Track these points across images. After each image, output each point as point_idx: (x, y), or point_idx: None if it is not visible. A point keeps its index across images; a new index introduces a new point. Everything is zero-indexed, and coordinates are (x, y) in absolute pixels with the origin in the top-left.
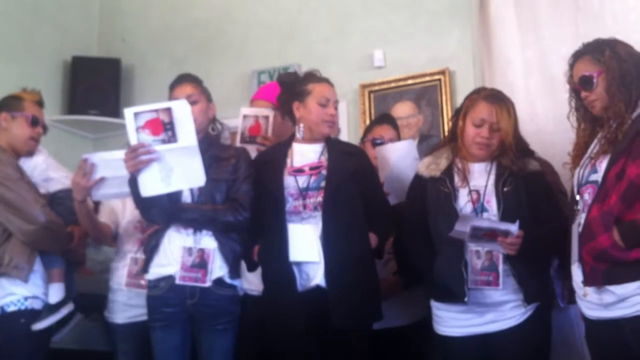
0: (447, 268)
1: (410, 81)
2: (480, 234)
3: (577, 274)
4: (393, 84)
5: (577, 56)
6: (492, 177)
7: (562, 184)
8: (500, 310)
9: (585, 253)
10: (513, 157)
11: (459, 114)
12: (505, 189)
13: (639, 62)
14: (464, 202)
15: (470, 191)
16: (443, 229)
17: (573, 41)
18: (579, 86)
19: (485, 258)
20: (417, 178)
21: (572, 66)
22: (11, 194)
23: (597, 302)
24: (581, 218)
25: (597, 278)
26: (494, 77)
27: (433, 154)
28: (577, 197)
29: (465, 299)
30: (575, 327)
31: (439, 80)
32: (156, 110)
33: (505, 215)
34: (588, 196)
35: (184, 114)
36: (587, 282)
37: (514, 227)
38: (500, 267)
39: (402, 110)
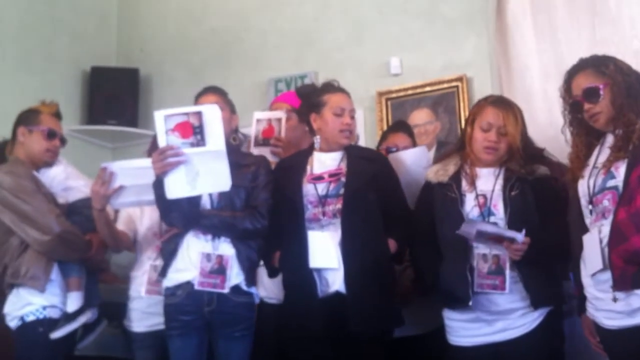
0: (452, 272)
1: (427, 88)
2: (485, 238)
3: (589, 284)
4: (410, 91)
5: (576, 70)
6: (500, 182)
7: None
8: (510, 319)
9: (615, 256)
10: (521, 162)
11: (467, 120)
12: (512, 193)
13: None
14: (470, 206)
15: (477, 195)
16: (449, 233)
17: (590, 46)
18: (583, 98)
19: (492, 262)
20: (426, 184)
21: (568, 81)
22: (26, 206)
23: (622, 309)
24: (601, 225)
25: (627, 282)
26: (512, 83)
27: (442, 162)
28: (590, 207)
29: (470, 303)
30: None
31: (457, 86)
32: (187, 114)
33: (512, 219)
34: (608, 202)
35: (214, 118)
36: (616, 286)
37: (519, 236)
38: (507, 272)
39: (420, 117)
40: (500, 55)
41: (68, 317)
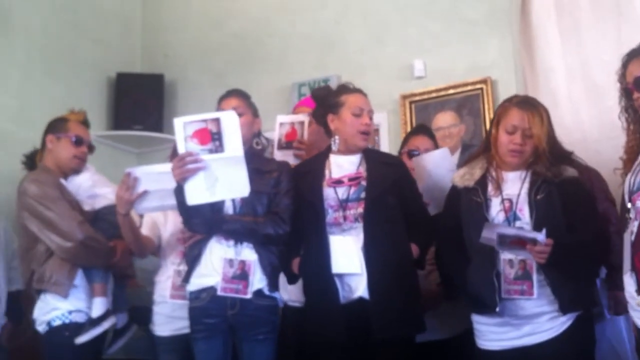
0: (479, 278)
1: (451, 91)
2: (508, 242)
3: (629, 283)
4: (434, 94)
5: (632, 55)
6: (526, 185)
7: (610, 191)
8: (537, 322)
9: (638, 260)
10: (547, 164)
11: (492, 122)
12: (538, 197)
13: None
14: (496, 211)
15: (502, 200)
16: (474, 238)
17: (615, 47)
18: (633, 87)
19: (518, 267)
20: (453, 188)
21: (625, 65)
22: (49, 212)
23: None
24: (634, 226)
25: None
26: (537, 85)
27: (468, 165)
28: (629, 205)
29: (497, 309)
30: (627, 338)
31: (481, 89)
32: (205, 120)
33: (538, 223)
34: None
35: (231, 124)
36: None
37: (540, 236)
38: (535, 276)
39: (444, 120)
40: (525, 56)
41: (93, 322)
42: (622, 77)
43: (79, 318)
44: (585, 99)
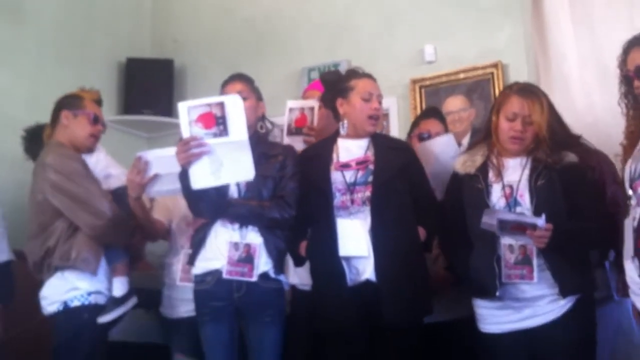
0: (480, 263)
1: (461, 75)
2: (509, 227)
3: (630, 269)
4: (444, 78)
5: (633, 43)
6: (527, 172)
7: (620, 175)
8: (537, 305)
9: None
10: (547, 150)
11: (493, 109)
12: (538, 183)
13: None
14: (497, 197)
15: (504, 186)
16: (476, 224)
17: (628, 33)
18: (634, 74)
19: (519, 252)
20: (454, 176)
21: (626, 52)
22: (79, 189)
23: None
24: (636, 212)
25: None
26: (549, 71)
27: (469, 152)
28: (630, 192)
29: (497, 294)
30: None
31: (492, 73)
32: (209, 105)
33: (539, 208)
34: None
35: (236, 108)
36: None
37: (540, 221)
38: (535, 260)
39: (454, 104)
40: (537, 41)
41: (116, 302)
42: (623, 63)
43: (100, 299)
44: (598, 84)
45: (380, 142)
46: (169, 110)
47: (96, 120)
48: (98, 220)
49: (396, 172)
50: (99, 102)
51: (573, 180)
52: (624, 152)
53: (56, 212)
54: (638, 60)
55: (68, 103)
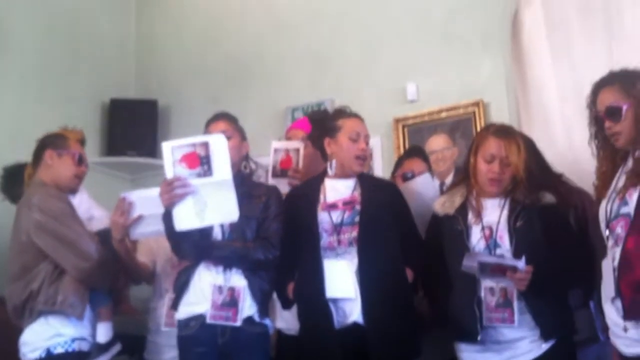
0: (461, 306)
1: (444, 114)
2: (489, 269)
3: (610, 311)
4: (427, 117)
5: (603, 84)
6: (505, 212)
7: None
8: (518, 347)
9: (624, 286)
10: (525, 192)
11: (470, 150)
12: (517, 224)
13: None
14: (476, 239)
15: (483, 227)
16: (456, 266)
17: (607, 66)
18: (605, 115)
19: (499, 295)
20: (433, 217)
21: (595, 93)
22: (66, 229)
23: (637, 337)
24: (615, 252)
25: (636, 311)
26: (529, 105)
27: (448, 192)
28: (607, 232)
29: (478, 338)
30: None
31: (473, 112)
32: (193, 144)
33: (518, 250)
34: (621, 229)
35: (220, 148)
36: (627, 315)
37: (520, 263)
38: (515, 303)
39: (437, 143)
40: (517, 76)
41: (101, 348)
42: (592, 104)
43: (83, 346)
44: (578, 118)
45: (367, 182)
46: (153, 151)
47: (81, 160)
48: (85, 262)
49: (382, 211)
50: (82, 142)
51: (552, 221)
52: (597, 192)
53: (40, 253)
54: (607, 101)
55: (52, 142)
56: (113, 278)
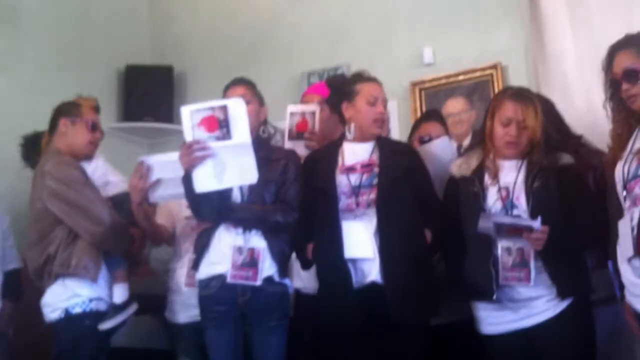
0: (476, 266)
1: (461, 77)
2: (505, 230)
3: (626, 270)
4: (444, 81)
5: (620, 46)
6: (522, 174)
7: None
8: (534, 305)
9: None
10: (542, 153)
11: (487, 114)
12: (534, 185)
13: None
14: (493, 200)
15: (499, 189)
16: (472, 228)
17: (626, 31)
18: (622, 78)
19: (516, 255)
20: (450, 179)
21: (611, 55)
22: (78, 195)
23: None
24: (633, 212)
25: None
26: (547, 70)
27: (465, 155)
28: (624, 193)
29: (494, 297)
30: None
31: (491, 75)
32: (212, 108)
33: (535, 211)
34: (639, 189)
35: (239, 111)
36: None
37: (535, 223)
38: (532, 263)
39: (454, 106)
40: (535, 42)
41: (117, 309)
42: (608, 67)
43: (100, 306)
44: (596, 83)
45: (385, 145)
46: (170, 116)
47: (94, 127)
48: (97, 227)
49: (401, 174)
50: (96, 109)
51: (569, 182)
52: (612, 154)
53: (55, 219)
54: (624, 63)
55: (66, 111)
56: (127, 242)
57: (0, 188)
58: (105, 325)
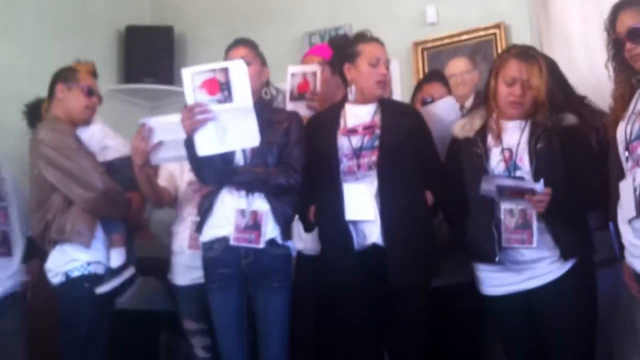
0: (479, 228)
1: (464, 37)
2: (507, 193)
3: (626, 231)
4: (447, 40)
5: (623, 5)
6: (526, 135)
7: None
8: (537, 267)
9: None
10: (547, 114)
11: (491, 73)
12: (538, 146)
13: None
14: (496, 161)
15: (502, 150)
16: (474, 190)
17: None
18: (626, 37)
19: (519, 216)
20: (453, 140)
21: (615, 14)
22: (70, 163)
23: None
24: (635, 173)
25: None
26: (551, 30)
27: (468, 115)
28: (626, 154)
29: (496, 259)
30: None
31: (494, 34)
32: (213, 70)
33: (538, 172)
34: None
35: (240, 74)
36: None
37: (538, 186)
38: (535, 224)
39: (457, 66)
40: (539, 2)
41: (113, 273)
42: (611, 26)
43: (98, 269)
44: (601, 44)
45: (388, 107)
46: (170, 78)
47: (90, 92)
48: (90, 193)
49: (403, 136)
50: (93, 74)
51: (572, 142)
52: (614, 114)
53: (51, 186)
54: (629, 22)
55: (62, 76)
56: (123, 207)
57: (6, 153)
58: (102, 289)
